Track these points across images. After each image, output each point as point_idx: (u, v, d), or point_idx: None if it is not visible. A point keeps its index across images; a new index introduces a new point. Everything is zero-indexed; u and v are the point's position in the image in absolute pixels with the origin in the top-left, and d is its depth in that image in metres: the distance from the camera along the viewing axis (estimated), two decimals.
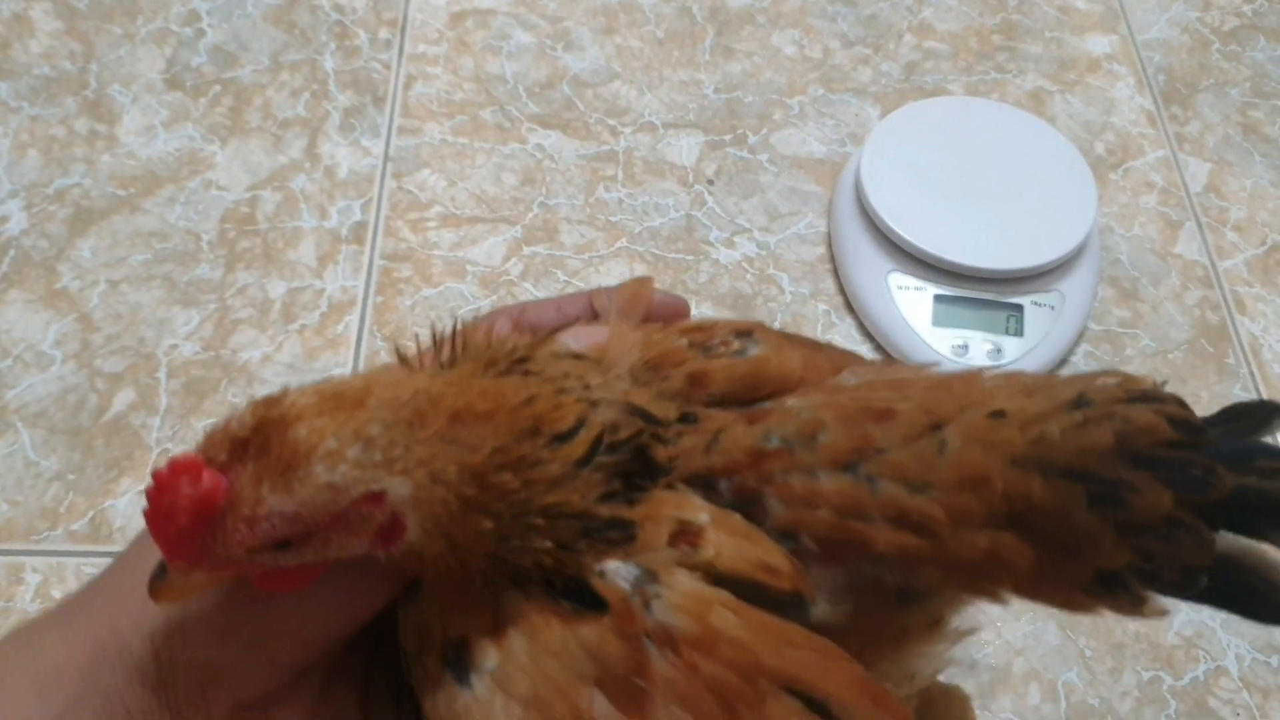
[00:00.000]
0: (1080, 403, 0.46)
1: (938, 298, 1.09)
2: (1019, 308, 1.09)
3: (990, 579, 0.46)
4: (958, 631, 0.50)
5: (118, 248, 1.11)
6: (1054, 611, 0.96)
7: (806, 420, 0.46)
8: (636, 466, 0.45)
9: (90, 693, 0.42)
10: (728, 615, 0.42)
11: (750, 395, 0.49)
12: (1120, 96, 1.32)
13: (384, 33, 1.30)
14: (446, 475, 0.40)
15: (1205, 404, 1.10)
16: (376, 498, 0.39)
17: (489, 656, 0.42)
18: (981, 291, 1.09)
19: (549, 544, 0.42)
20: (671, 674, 0.41)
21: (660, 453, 0.46)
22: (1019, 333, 1.08)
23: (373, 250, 1.12)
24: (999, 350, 1.08)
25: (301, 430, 0.38)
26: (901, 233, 1.09)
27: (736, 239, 1.16)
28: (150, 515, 0.38)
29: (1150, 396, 0.46)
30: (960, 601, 0.49)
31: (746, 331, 0.51)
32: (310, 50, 1.27)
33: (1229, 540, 0.44)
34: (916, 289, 1.10)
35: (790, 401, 0.48)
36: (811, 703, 0.42)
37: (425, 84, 1.25)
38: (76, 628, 0.44)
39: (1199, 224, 1.22)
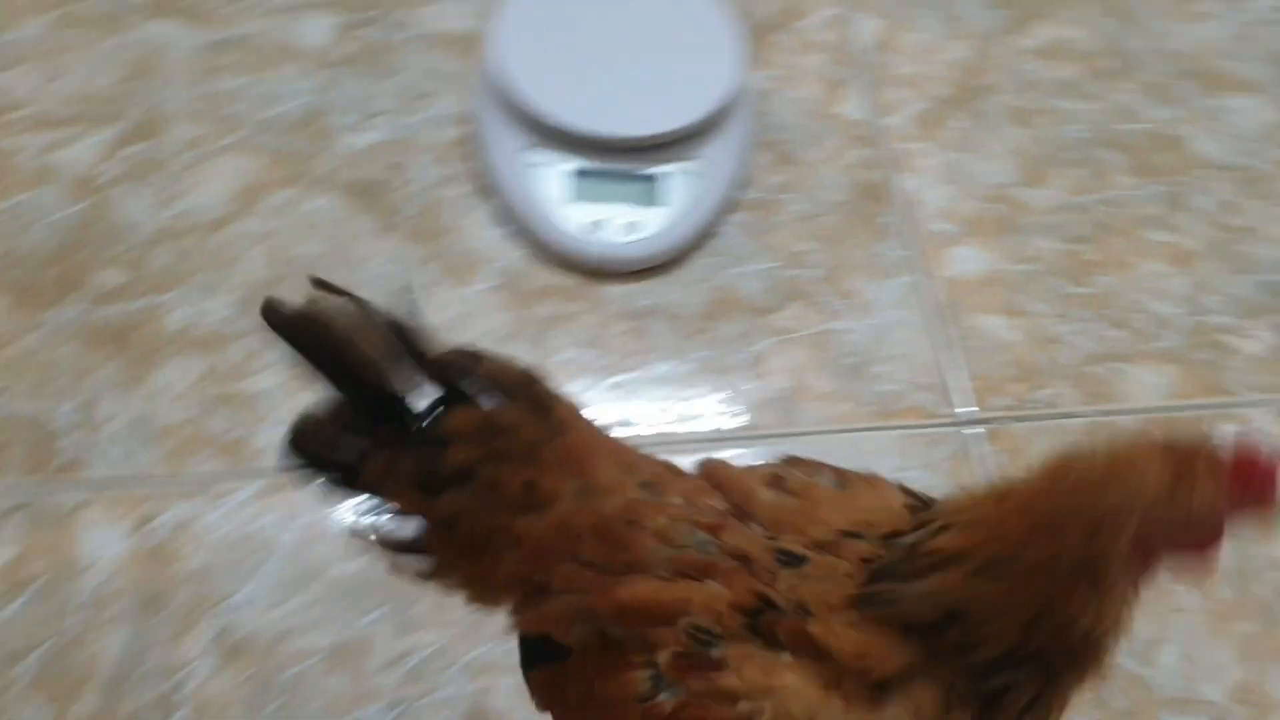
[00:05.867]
0: None
1: (574, 173, 1.03)
2: (658, 178, 1.04)
3: None
4: None
5: None
6: None
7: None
8: None
9: None
10: None
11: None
12: None
13: None
14: None
15: (858, 265, 1.07)
16: None
17: None
18: (620, 163, 1.04)
19: None
20: None
21: None
22: (658, 204, 1.03)
23: None
24: (638, 224, 1.03)
25: None
26: (535, 105, 1.03)
27: (369, 123, 1.09)
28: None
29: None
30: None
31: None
32: None
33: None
34: (551, 164, 1.04)
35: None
36: None
37: None
38: None
39: (865, 82, 1.18)
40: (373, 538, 0.62)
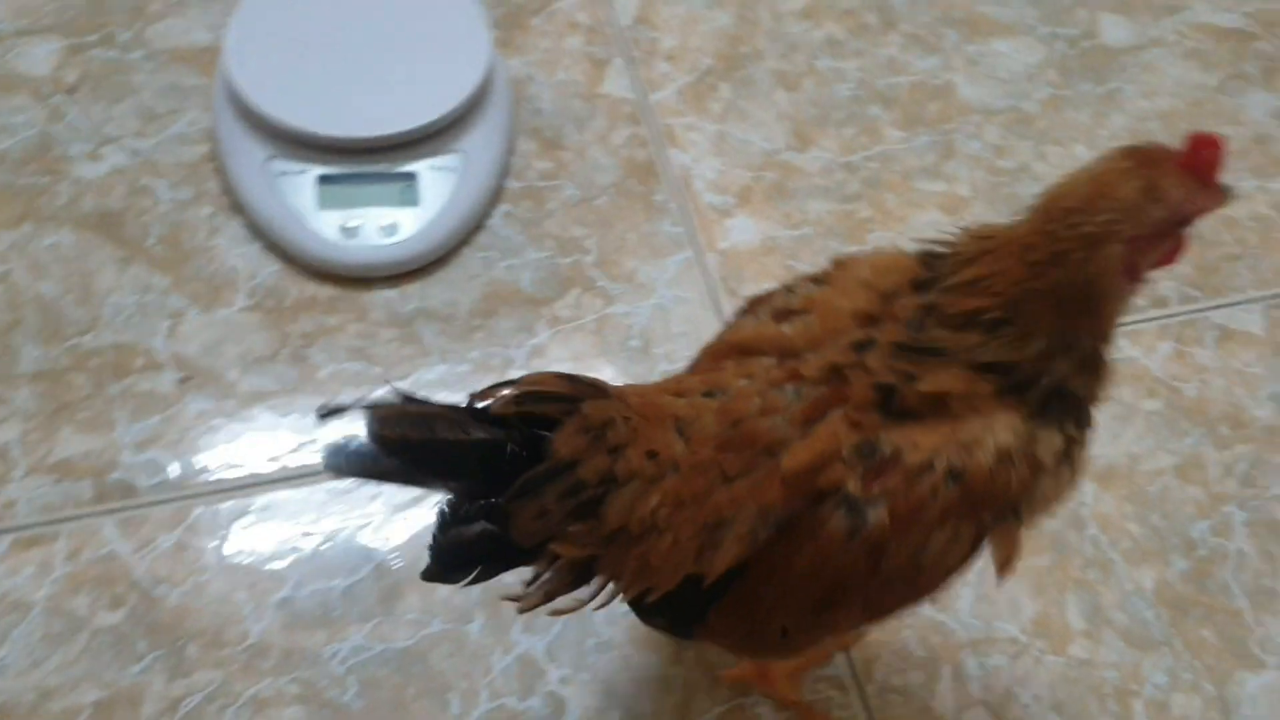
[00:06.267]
0: None
1: (322, 178, 0.99)
2: (412, 176, 1.00)
3: None
4: None
5: None
6: None
7: None
8: None
9: None
10: None
11: None
12: None
13: None
14: None
15: (633, 246, 1.05)
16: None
17: None
18: (370, 165, 1.00)
19: None
20: None
21: None
22: (414, 203, 1.00)
23: None
24: (395, 225, 0.99)
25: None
26: (273, 113, 0.98)
27: (104, 150, 1.03)
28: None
29: None
30: None
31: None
32: None
33: None
34: (299, 172, 0.99)
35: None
36: None
37: None
38: None
39: (628, 59, 1.16)
40: (526, 600, 0.61)
